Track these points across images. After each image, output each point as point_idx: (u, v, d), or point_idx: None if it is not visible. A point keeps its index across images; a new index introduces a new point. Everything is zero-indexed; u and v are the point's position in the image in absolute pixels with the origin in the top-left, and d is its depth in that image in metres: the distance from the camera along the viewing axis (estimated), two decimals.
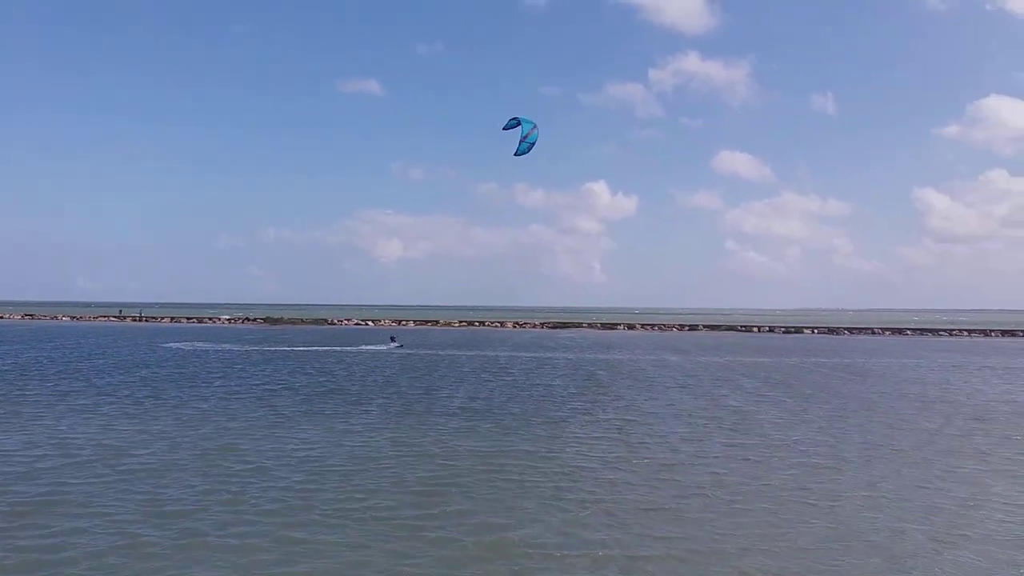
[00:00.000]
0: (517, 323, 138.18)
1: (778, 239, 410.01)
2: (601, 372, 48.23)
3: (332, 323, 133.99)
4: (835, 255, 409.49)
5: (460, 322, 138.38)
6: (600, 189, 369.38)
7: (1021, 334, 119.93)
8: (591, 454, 21.66)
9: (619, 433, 25.13)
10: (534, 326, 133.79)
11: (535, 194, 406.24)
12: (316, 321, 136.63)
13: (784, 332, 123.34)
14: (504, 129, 35.85)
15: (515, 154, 35.29)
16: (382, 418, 27.70)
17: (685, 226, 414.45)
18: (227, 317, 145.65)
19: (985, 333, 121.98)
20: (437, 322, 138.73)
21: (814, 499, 17.05)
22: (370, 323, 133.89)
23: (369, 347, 71.10)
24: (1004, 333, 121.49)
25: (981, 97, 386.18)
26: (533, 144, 34.75)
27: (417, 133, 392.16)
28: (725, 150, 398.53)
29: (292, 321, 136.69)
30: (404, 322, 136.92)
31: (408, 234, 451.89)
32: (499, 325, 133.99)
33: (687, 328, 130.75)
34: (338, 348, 68.66)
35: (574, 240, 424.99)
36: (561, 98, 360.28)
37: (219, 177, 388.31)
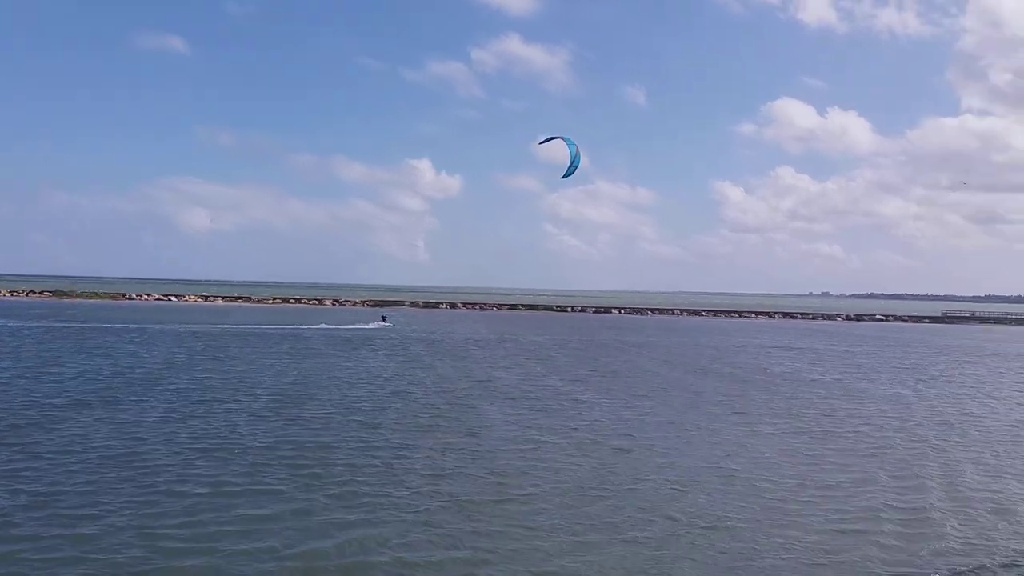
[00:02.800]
0: (337, 300, 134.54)
1: (591, 224, 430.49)
2: (422, 352, 47.91)
3: (130, 298, 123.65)
4: (641, 241, 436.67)
5: (274, 299, 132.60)
6: (424, 167, 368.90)
7: (799, 316, 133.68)
8: (404, 443, 20.85)
9: (435, 419, 24.76)
10: (354, 304, 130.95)
11: (355, 167, 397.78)
12: (113, 295, 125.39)
13: (595, 312, 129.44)
14: (540, 144, 38.19)
15: (563, 176, 37.59)
16: (180, 407, 25.42)
17: (507, 208, 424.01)
18: (7, 289, 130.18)
19: (769, 315, 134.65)
20: (248, 298, 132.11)
21: (615, 479, 17.64)
22: (173, 298, 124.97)
23: (362, 326, 71.46)
24: (785, 315, 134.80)
25: (773, 99, 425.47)
26: (577, 166, 36.84)
27: (225, 96, 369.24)
28: (544, 136, 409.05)
29: (85, 295, 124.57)
30: (212, 298, 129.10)
31: (216, 204, 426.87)
32: (317, 302, 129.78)
33: (507, 307, 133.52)
34: (298, 327, 63.32)
35: (397, 217, 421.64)
36: (383, 71, 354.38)
37: None
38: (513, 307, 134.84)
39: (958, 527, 14.85)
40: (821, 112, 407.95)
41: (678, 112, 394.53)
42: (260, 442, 20.25)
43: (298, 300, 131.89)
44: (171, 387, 29.50)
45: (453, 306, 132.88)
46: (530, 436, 22.14)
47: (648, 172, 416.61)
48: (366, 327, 71.47)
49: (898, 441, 23.34)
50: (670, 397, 31.20)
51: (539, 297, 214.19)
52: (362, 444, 20.42)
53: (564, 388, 33.03)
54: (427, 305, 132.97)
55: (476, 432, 22.51)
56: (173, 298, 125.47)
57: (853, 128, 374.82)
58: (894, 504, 16.33)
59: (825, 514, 15.46)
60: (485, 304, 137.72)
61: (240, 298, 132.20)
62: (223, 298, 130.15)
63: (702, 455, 20.51)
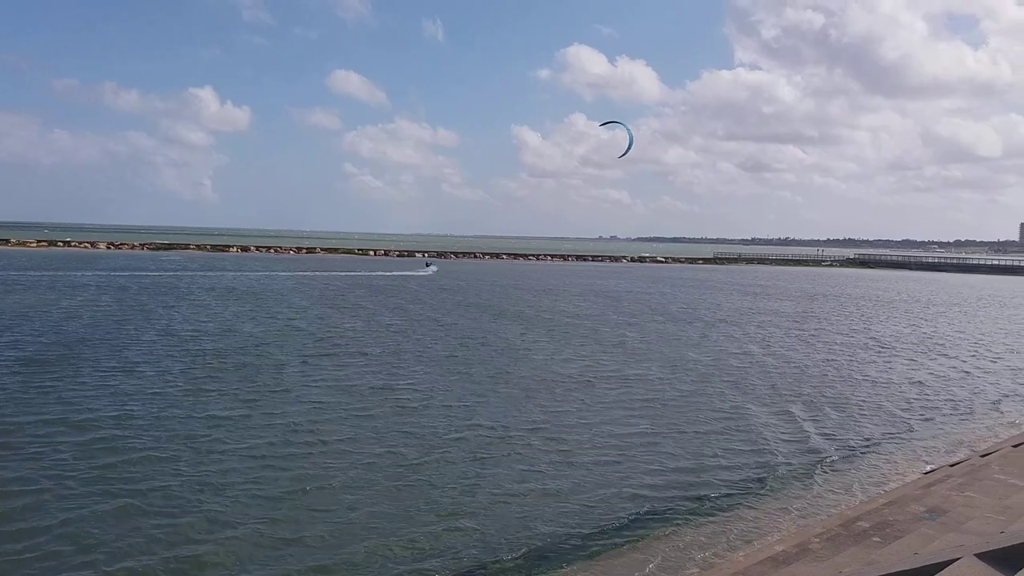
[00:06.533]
0: (112, 244, 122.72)
1: (394, 165, 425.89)
2: (210, 300, 44.91)
3: None
4: (445, 183, 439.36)
5: (38, 242, 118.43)
6: (207, 96, 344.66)
7: (591, 259, 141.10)
8: (183, 412, 18.98)
9: (223, 376, 23.37)
10: (133, 247, 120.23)
11: (129, 96, 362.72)
12: None
13: (399, 256, 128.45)
14: (601, 125, 47.46)
15: (620, 156, 45.48)
16: None
17: (303, 145, 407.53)
18: None
19: (564, 258, 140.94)
20: (8, 241, 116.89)
21: (424, 443, 17.62)
22: None
23: (408, 272, 77.57)
24: (579, 258, 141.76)
25: (567, 45, 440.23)
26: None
27: None
28: (340, 69, 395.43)
29: None
30: None
31: None
32: (89, 246, 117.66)
33: (304, 251, 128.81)
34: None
35: (179, 152, 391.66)
36: None
37: None
38: (312, 250, 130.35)
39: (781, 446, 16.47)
40: (612, 60, 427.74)
41: (477, 52, 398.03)
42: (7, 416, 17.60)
43: (67, 243, 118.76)
44: None
45: (245, 249, 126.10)
46: (328, 398, 21.08)
47: (450, 113, 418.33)
48: (413, 274, 77.75)
49: (720, 384, 25.28)
50: (477, 346, 31.63)
51: (341, 240, 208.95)
52: (128, 416, 17.70)
53: (365, 339, 32.44)
54: (216, 248, 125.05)
55: (268, 395, 20.86)
56: None
57: (641, 77, 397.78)
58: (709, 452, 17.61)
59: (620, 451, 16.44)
60: (281, 247, 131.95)
61: None
62: None
63: (512, 412, 20.68)
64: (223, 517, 12.01)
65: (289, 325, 34.94)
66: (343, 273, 77.24)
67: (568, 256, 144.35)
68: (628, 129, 44.56)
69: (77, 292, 46.61)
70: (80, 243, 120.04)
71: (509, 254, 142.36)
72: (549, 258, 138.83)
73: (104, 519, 11.76)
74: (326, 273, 76.35)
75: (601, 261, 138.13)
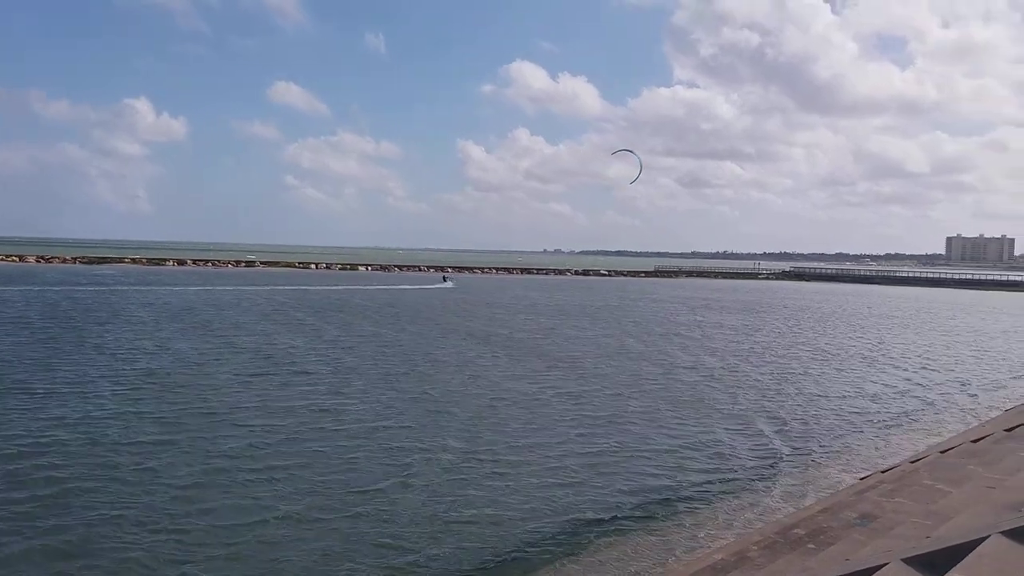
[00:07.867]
0: (42, 257, 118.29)
1: (336, 177, 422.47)
2: (142, 314, 43.61)
3: None
4: (388, 197, 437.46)
5: None
6: (142, 107, 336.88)
7: (536, 271, 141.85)
8: (114, 437, 18.69)
9: (154, 400, 22.75)
10: (64, 261, 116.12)
11: (58, 105, 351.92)
12: None
13: (341, 269, 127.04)
14: (613, 154, 49.92)
15: (631, 183, 54.80)
16: None
17: (242, 156, 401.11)
18: None
19: (509, 271, 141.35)
20: None
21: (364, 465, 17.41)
22: None
23: (427, 286, 79.26)
24: (523, 271, 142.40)
25: (510, 61, 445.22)
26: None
27: None
28: (280, 80, 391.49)
29: None
30: None
31: None
32: (17, 259, 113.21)
33: (243, 264, 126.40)
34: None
35: (113, 163, 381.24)
36: None
37: None
38: (251, 263, 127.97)
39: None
40: (554, 76, 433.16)
41: (420, 65, 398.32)
42: None
43: None
44: None
45: (181, 262, 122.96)
46: (268, 420, 20.67)
47: (393, 126, 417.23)
48: (429, 287, 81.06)
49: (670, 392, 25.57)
50: (425, 364, 31.43)
51: (282, 253, 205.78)
52: (52, 443, 17.05)
53: (305, 357, 31.93)
54: (151, 262, 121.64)
55: (203, 419, 20.42)
56: None
57: (582, 93, 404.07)
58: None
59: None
60: (219, 261, 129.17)
61: None
62: None
63: (460, 432, 20.58)
64: (151, 553, 11.42)
65: (230, 343, 34.16)
66: (364, 287, 75.94)
67: (513, 269, 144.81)
68: (639, 157, 52.75)
69: (2, 309, 44.69)
70: (7, 257, 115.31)
71: (454, 267, 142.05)
72: (494, 271, 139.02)
73: (21, 557, 11.07)
74: (330, 287, 74.97)
75: (546, 274, 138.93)
